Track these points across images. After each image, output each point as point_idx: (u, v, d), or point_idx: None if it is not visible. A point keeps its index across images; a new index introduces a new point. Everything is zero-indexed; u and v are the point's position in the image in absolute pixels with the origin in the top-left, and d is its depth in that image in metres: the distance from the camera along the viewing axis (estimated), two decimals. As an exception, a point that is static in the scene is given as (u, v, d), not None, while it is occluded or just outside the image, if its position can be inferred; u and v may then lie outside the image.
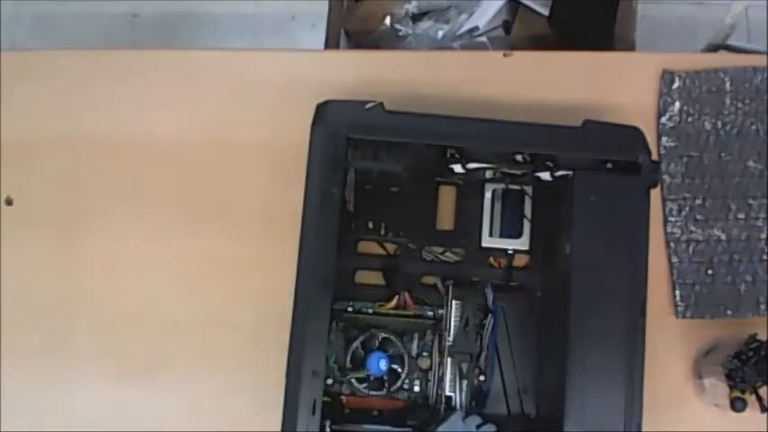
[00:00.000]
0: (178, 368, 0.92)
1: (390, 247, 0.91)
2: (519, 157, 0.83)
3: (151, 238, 0.95)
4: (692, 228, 0.93)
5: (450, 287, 0.85)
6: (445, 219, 0.92)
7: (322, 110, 0.81)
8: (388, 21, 1.37)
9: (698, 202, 0.93)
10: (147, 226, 0.95)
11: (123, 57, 1.02)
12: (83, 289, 0.94)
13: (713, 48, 1.16)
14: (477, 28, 1.34)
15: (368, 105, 0.81)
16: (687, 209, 0.93)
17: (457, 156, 0.83)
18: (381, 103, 0.81)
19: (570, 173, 0.80)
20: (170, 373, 0.92)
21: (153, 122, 0.98)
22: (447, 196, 0.92)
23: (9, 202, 0.97)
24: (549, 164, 0.82)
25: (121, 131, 0.98)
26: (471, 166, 0.84)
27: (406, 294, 0.86)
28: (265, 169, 0.95)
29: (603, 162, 0.80)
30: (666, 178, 0.94)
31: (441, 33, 1.35)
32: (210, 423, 0.90)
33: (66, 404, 0.92)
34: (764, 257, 0.92)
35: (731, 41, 1.16)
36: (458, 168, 0.85)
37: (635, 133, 0.81)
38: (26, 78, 1.00)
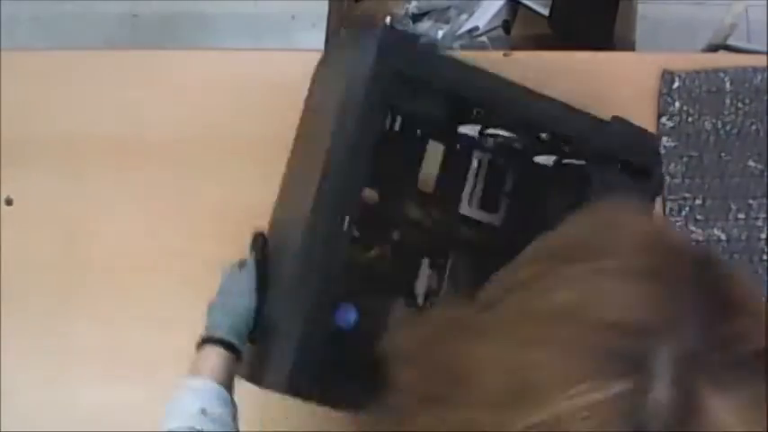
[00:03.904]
0: (178, 368, 0.91)
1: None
2: (544, 135, 0.81)
3: (151, 238, 0.95)
4: (692, 228, 0.93)
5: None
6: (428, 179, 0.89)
7: (381, 34, 0.74)
8: (388, 21, 1.37)
9: (698, 202, 0.93)
10: (146, 226, 0.95)
11: (123, 57, 1.02)
12: (83, 289, 0.94)
13: (713, 48, 1.16)
14: (477, 28, 1.34)
15: (422, 40, 0.75)
16: (687, 209, 0.93)
17: (480, 117, 0.81)
18: (435, 44, 0.77)
19: (579, 162, 0.80)
20: (170, 373, 0.91)
21: (153, 122, 0.98)
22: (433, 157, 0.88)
23: (9, 203, 0.97)
24: (566, 149, 0.81)
25: (121, 131, 0.98)
26: (491, 131, 0.82)
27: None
28: (265, 169, 0.95)
29: (616, 160, 0.79)
30: (666, 178, 0.94)
31: (441, 33, 1.35)
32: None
33: (66, 404, 0.92)
34: (764, 257, 0.92)
35: (731, 41, 1.16)
36: (468, 130, 0.82)
37: (653, 140, 0.81)
38: (26, 78, 1.00)
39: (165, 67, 1.00)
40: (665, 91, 0.96)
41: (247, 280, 0.78)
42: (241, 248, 0.93)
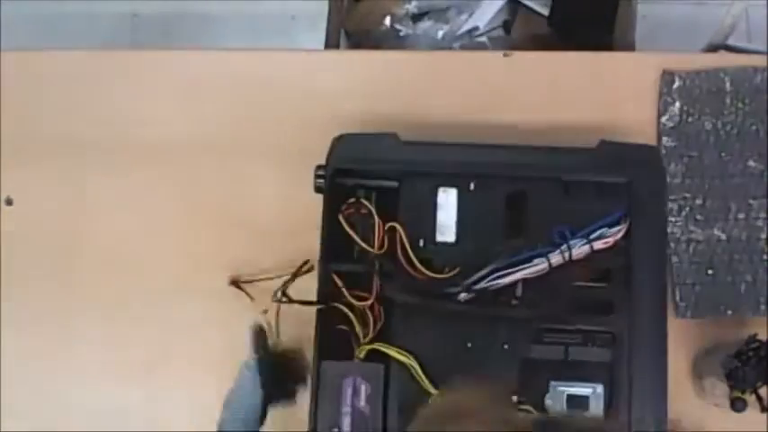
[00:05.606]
0: (178, 368, 0.92)
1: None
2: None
3: (151, 238, 0.95)
4: (692, 228, 0.93)
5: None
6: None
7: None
8: (388, 21, 1.37)
9: (698, 202, 0.93)
10: (147, 226, 0.95)
11: (123, 57, 1.02)
12: (83, 289, 0.94)
13: (713, 48, 1.16)
14: (477, 28, 1.34)
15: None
16: (687, 209, 0.93)
17: None
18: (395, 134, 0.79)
19: None
20: (170, 373, 0.92)
21: (153, 122, 0.98)
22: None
23: (9, 202, 0.97)
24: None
25: (121, 131, 0.98)
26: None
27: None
28: (264, 169, 0.95)
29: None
30: (666, 178, 0.94)
31: (441, 33, 1.35)
32: (211, 423, 0.90)
33: (65, 404, 0.92)
34: (764, 257, 0.92)
35: (731, 41, 1.16)
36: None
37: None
38: (26, 78, 1.00)
39: (165, 67, 1.00)
40: (665, 91, 0.96)
41: (252, 379, 0.81)
42: (240, 249, 0.94)
